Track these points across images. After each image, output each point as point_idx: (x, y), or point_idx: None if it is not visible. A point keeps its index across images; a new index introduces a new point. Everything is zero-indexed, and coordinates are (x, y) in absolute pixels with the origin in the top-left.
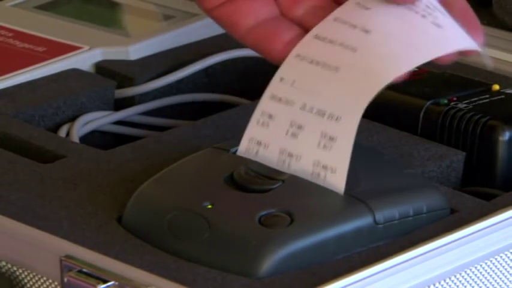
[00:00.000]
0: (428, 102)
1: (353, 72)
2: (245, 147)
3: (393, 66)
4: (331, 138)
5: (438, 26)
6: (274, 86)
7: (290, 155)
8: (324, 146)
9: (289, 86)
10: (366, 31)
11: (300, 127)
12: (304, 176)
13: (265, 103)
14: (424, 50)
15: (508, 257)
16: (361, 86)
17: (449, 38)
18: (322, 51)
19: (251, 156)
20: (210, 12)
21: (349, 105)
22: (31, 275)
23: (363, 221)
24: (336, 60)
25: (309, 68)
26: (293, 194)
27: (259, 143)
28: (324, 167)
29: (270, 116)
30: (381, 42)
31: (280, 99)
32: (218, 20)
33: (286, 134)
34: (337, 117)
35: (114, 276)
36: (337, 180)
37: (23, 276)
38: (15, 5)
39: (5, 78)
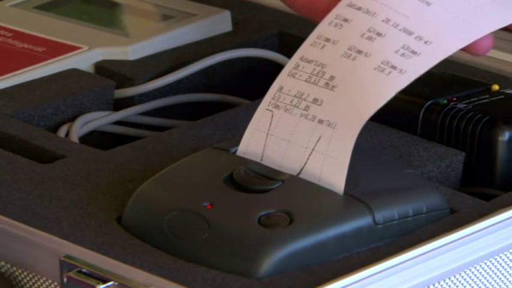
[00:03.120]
0: (428, 102)
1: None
2: (311, 42)
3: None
4: (413, 52)
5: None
6: None
7: (359, 51)
8: (402, 54)
9: (372, 0)
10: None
11: (379, 34)
12: (364, 68)
13: (341, 9)
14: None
15: (508, 257)
16: (457, 27)
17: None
18: None
19: (315, 49)
20: None
21: (444, 35)
22: (31, 275)
23: (363, 221)
24: None
25: None
26: (292, 194)
27: (327, 40)
28: (393, 67)
29: (346, 20)
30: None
31: (359, 8)
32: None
33: (362, 36)
34: (426, 41)
35: (114, 276)
36: (401, 81)
37: (23, 276)
38: (15, 5)
39: (4, 78)
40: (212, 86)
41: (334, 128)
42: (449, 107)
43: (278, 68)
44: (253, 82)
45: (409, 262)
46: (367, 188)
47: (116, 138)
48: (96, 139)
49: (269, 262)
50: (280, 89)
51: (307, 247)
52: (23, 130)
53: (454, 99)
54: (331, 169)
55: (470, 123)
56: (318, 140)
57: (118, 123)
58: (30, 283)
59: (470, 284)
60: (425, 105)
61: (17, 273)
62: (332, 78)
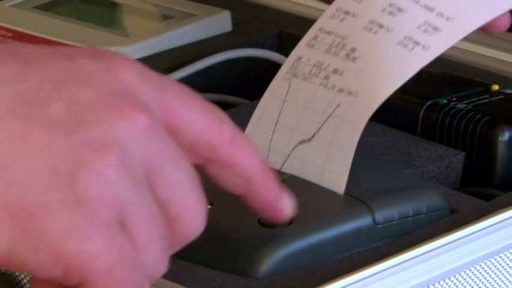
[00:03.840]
0: (428, 102)
1: None
2: (330, 14)
3: None
4: (435, 29)
5: None
6: None
7: (380, 25)
8: (425, 30)
9: None
10: None
11: (400, 10)
12: (387, 42)
13: None
14: None
15: (508, 257)
16: (478, 3)
17: None
18: None
19: (334, 21)
20: None
21: (465, 12)
22: (30, 275)
23: (363, 221)
24: None
25: None
26: (292, 194)
27: (347, 13)
28: (416, 43)
29: None
30: None
31: None
32: None
33: (383, 11)
34: (448, 18)
35: None
36: (425, 57)
37: (22, 276)
38: (15, 5)
39: None
40: (212, 86)
41: (355, 96)
42: (449, 107)
43: (278, 68)
44: (253, 82)
45: (409, 262)
46: (367, 188)
47: None
48: None
49: (269, 262)
50: (299, 58)
51: (307, 247)
52: None
53: (454, 99)
54: (345, 133)
55: (470, 123)
56: (336, 107)
57: None
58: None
59: (470, 284)
60: (425, 105)
61: (17, 273)
62: (353, 50)
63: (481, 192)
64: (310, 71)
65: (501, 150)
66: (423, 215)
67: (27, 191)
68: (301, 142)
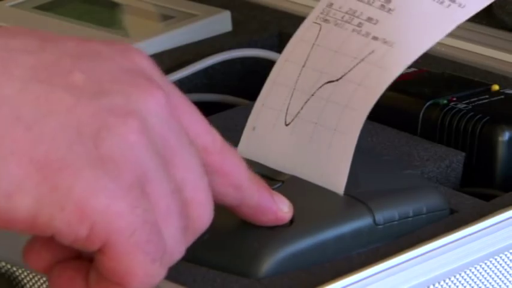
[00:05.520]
0: (428, 103)
1: None
2: None
3: None
4: None
5: None
6: None
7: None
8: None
9: None
10: None
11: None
12: None
13: None
14: None
15: (508, 257)
16: None
17: None
18: None
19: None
20: None
21: None
22: (30, 276)
23: (363, 221)
24: None
25: None
26: (293, 195)
27: None
28: (452, 0)
29: None
30: None
31: None
32: None
33: None
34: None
35: None
36: (461, 14)
37: (22, 276)
38: (15, 5)
39: None
40: (212, 86)
41: (390, 46)
42: (449, 107)
43: None
44: (253, 82)
45: (409, 262)
46: (367, 189)
47: None
48: None
49: (269, 263)
50: (330, 5)
51: (307, 248)
52: None
53: (454, 99)
54: (375, 78)
55: (470, 123)
56: (369, 53)
57: None
58: (30, 283)
59: (470, 284)
60: (425, 105)
61: (16, 273)
62: (388, 1)
63: (481, 192)
64: (342, 17)
65: (501, 150)
66: (423, 216)
67: (54, 146)
68: (328, 82)
